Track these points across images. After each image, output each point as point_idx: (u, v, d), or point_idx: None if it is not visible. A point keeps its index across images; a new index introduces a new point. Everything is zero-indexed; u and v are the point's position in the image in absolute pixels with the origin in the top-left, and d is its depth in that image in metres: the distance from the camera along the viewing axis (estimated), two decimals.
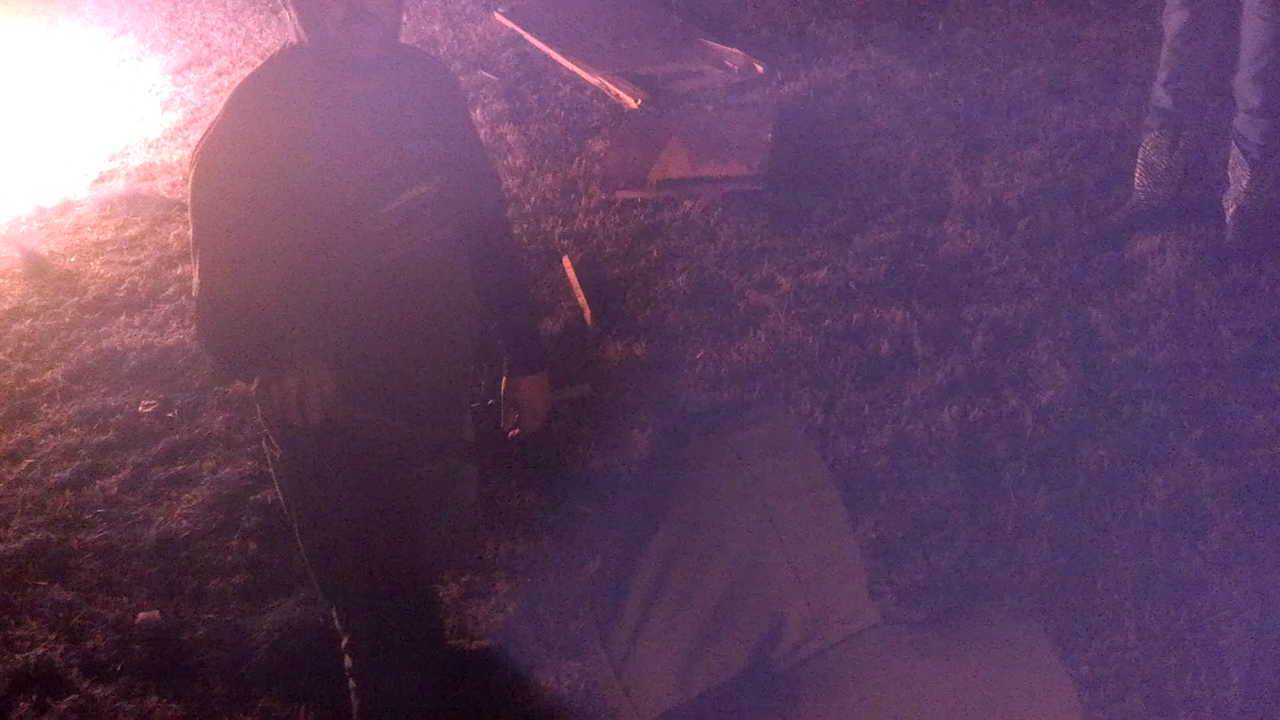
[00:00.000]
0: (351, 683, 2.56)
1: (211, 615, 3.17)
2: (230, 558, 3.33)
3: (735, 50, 5.67)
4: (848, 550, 2.29)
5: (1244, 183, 3.88)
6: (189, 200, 2.17)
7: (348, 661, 2.57)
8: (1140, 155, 4.16)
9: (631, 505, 2.48)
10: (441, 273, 2.32)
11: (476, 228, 2.43)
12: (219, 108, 2.16)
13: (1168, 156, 4.07)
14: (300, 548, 2.50)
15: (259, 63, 2.27)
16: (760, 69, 5.51)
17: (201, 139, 2.14)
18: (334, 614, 2.56)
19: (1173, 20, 3.91)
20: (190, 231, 2.18)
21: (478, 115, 5.21)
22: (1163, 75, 4.01)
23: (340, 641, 2.58)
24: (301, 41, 2.13)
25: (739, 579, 2.13)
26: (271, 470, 2.48)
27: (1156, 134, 4.07)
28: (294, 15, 2.11)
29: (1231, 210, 3.95)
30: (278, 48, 2.22)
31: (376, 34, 2.10)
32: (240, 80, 2.21)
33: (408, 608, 2.52)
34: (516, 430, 2.61)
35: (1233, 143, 3.91)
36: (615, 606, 2.39)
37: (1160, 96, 4.03)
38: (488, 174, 2.56)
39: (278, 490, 2.49)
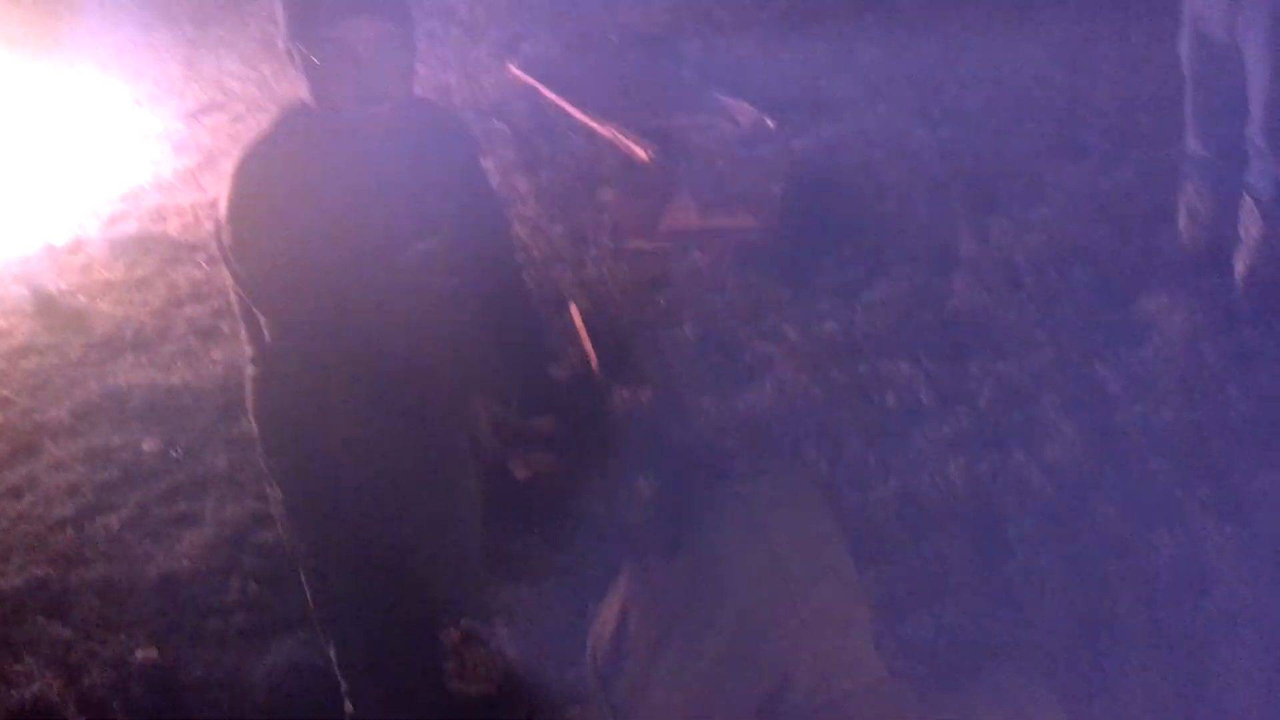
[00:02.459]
0: None
1: (210, 655, 3.15)
2: (230, 597, 3.31)
3: (746, 105, 5.70)
4: (855, 604, 2.27)
5: (1255, 235, 3.88)
6: (236, 270, 2.14)
7: (348, 707, 2.54)
8: (1182, 202, 4.19)
9: (635, 553, 2.46)
10: (450, 323, 2.32)
11: (487, 274, 2.44)
12: (231, 175, 2.12)
13: (1209, 201, 4.10)
14: (305, 589, 2.49)
15: (272, 109, 2.26)
16: (771, 124, 5.54)
17: (226, 210, 2.10)
18: (334, 659, 2.54)
19: (1186, 69, 3.97)
20: (240, 300, 2.17)
21: (489, 164, 5.24)
22: (1190, 124, 4.05)
23: (340, 688, 2.56)
24: (309, 103, 2.12)
25: (746, 630, 2.12)
26: (273, 512, 2.47)
27: (1196, 181, 4.11)
28: (303, 83, 2.10)
29: (1242, 270, 3.95)
30: (285, 104, 2.20)
31: (386, 110, 2.10)
32: (250, 143, 2.17)
33: (410, 653, 2.50)
34: (526, 474, 2.59)
35: (1244, 194, 3.91)
36: (618, 653, 2.37)
37: (1192, 145, 4.07)
38: (499, 222, 2.57)
39: (281, 533, 2.48)
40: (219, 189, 2.15)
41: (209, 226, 5.17)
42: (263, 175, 2.11)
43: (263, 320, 2.18)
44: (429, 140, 2.28)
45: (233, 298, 2.26)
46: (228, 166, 2.15)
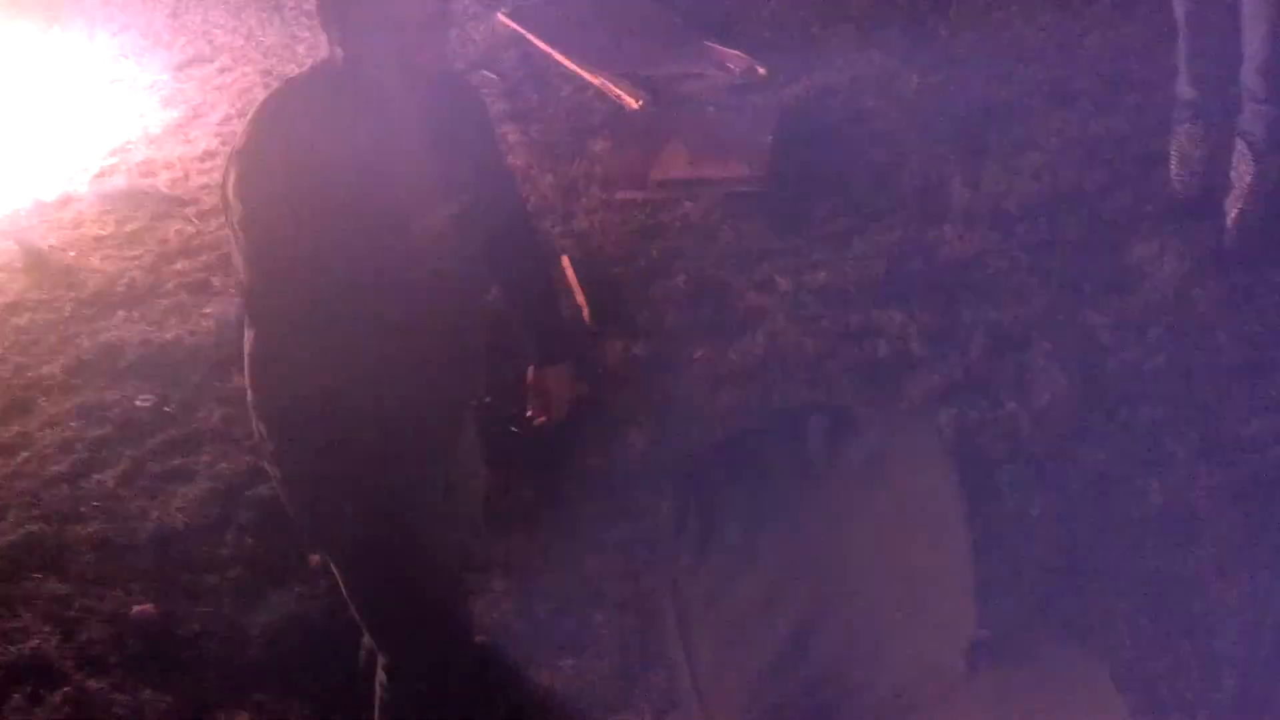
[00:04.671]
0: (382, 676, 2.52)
1: (206, 609, 3.17)
2: (226, 552, 3.33)
3: (737, 52, 5.66)
4: (963, 597, 2.23)
5: (1247, 179, 3.87)
6: (242, 227, 2.09)
7: (381, 676, 2.52)
8: (1174, 147, 4.17)
9: (716, 493, 2.40)
10: (463, 286, 2.33)
11: (500, 232, 2.45)
12: (256, 126, 2.09)
13: (1202, 146, 4.08)
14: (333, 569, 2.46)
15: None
16: (762, 71, 5.50)
17: (244, 161, 2.07)
18: (362, 625, 2.52)
19: (1179, 12, 3.94)
20: (252, 260, 2.11)
21: None
22: (1182, 68, 4.03)
23: (360, 651, 2.56)
24: (336, 63, 2.10)
25: (850, 617, 2.09)
26: (277, 487, 2.43)
27: (1188, 125, 4.09)
28: (338, 49, 2.07)
29: (1233, 215, 3.94)
30: (318, 61, 2.17)
31: (422, 82, 2.10)
32: (272, 95, 2.15)
33: (433, 605, 2.48)
34: (544, 418, 2.62)
35: (1238, 138, 3.90)
36: (705, 609, 2.33)
37: (1184, 89, 4.05)
38: (510, 185, 2.58)
39: (286, 504, 2.45)
40: (240, 131, 2.12)
41: (202, 179, 5.16)
42: (284, 121, 2.09)
43: (249, 270, 2.15)
44: (448, 107, 2.27)
45: (234, 252, 2.22)
46: (251, 111, 2.13)
